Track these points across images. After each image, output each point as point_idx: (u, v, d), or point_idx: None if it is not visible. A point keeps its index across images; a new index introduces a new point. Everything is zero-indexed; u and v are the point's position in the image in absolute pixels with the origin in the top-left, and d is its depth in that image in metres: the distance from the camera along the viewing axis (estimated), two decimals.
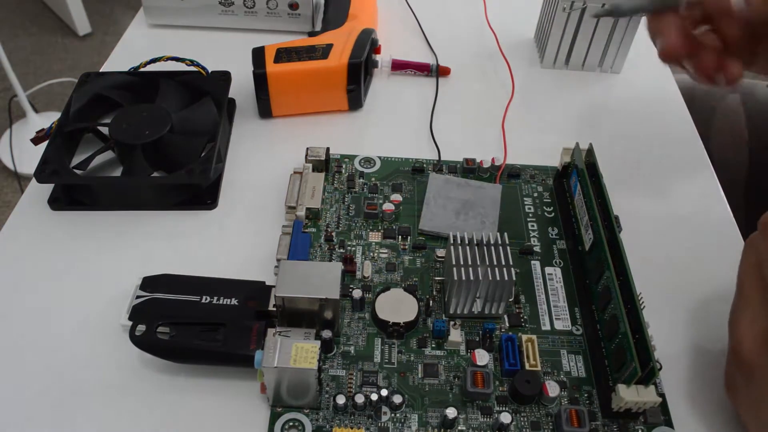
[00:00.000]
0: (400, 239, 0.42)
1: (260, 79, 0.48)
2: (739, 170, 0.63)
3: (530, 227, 0.43)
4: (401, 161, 0.47)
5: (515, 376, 0.34)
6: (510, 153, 0.48)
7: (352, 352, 0.36)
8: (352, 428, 0.33)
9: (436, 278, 0.40)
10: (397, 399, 0.33)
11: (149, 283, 0.37)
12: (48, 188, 0.44)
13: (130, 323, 0.34)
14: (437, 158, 0.47)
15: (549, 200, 0.45)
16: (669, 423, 0.34)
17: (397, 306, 0.37)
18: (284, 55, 0.48)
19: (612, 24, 0.53)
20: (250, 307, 0.36)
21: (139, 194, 0.44)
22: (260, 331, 0.34)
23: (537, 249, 0.42)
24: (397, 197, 0.44)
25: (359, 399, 0.33)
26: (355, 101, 0.51)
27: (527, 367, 0.35)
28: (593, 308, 0.38)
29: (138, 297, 0.36)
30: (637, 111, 0.54)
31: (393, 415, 0.34)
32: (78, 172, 0.43)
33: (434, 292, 0.39)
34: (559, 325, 0.38)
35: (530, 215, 0.44)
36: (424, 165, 0.46)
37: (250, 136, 0.50)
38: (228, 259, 0.41)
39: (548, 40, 0.55)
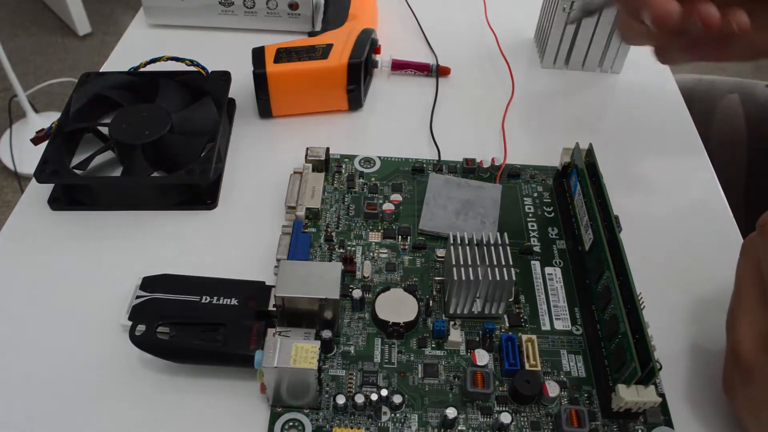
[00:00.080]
0: (400, 239, 0.42)
1: (260, 79, 0.48)
2: (739, 170, 0.63)
3: (530, 227, 0.43)
4: (401, 161, 0.47)
5: (515, 376, 0.34)
6: (510, 153, 0.48)
7: (352, 352, 0.36)
8: (352, 428, 0.33)
9: (436, 278, 0.40)
10: (397, 399, 0.33)
11: (149, 283, 0.37)
12: (48, 188, 0.44)
13: (130, 323, 0.34)
14: (437, 158, 0.47)
15: (549, 200, 0.45)
16: (669, 423, 0.34)
17: (397, 306, 0.37)
18: (284, 55, 0.48)
19: (612, 24, 0.53)
20: (250, 307, 0.36)
21: (139, 194, 0.44)
22: (260, 331, 0.34)
23: (537, 249, 0.42)
24: (397, 197, 0.44)
25: (359, 399, 0.33)
26: (355, 101, 0.51)
27: (527, 367, 0.35)
28: (593, 308, 0.38)
29: (138, 297, 0.36)
30: (637, 111, 0.54)
31: (393, 415, 0.34)
32: (78, 172, 0.43)
33: (434, 292, 0.39)
34: (559, 325, 0.38)
35: (530, 215, 0.44)
36: (424, 165, 0.46)
37: (250, 136, 0.50)
38: (228, 259, 0.41)
39: (548, 40, 0.55)
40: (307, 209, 0.42)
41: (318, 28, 0.57)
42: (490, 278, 0.36)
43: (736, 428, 0.34)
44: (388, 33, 0.59)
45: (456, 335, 0.36)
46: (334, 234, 0.42)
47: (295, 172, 0.44)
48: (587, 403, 0.35)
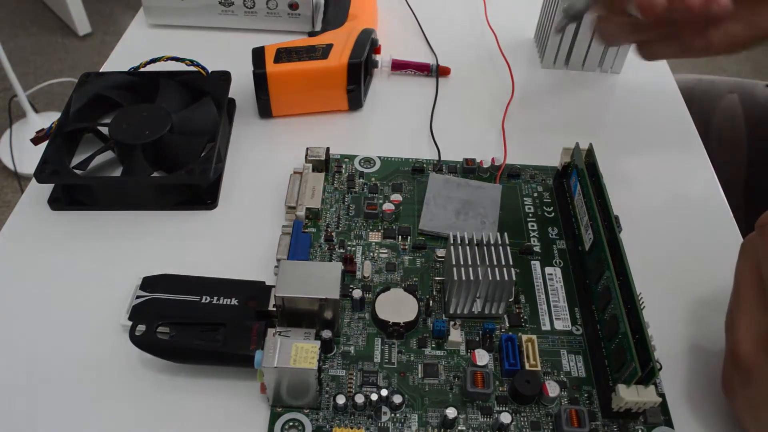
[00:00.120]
0: (400, 239, 0.42)
1: (260, 79, 0.48)
2: (738, 170, 0.64)
3: (530, 227, 0.43)
4: (401, 161, 0.47)
5: (515, 376, 0.34)
6: (510, 153, 0.48)
7: (352, 352, 0.36)
8: (352, 428, 0.33)
9: (436, 278, 0.40)
10: (397, 399, 0.33)
11: (149, 283, 0.37)
12: (48, 188, 0.44)
13: (130, 323, 0.34)
14: (437, 158, 0.47)
15: (549, 200, 0.45)
16: (669, 423, 0.34)
17: (397, 306, 0.37)
18: (284, 55, 0.48)
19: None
20: (250, 307, 0.36)
21: (139, 194, 0.44)
22: (260, 331, 0.34)
23: (537, 249, 0.42)
24: (397, 197, 0.44)
25: (359, 399, 0.33)
26: (355, 101, 0.51)
27: (527, 367, 0.35)
28: (593, 308, 0.38)
29: (138, 297, 0.36)
30: (637, 111, 0.54)
31: (393, 415, 0.34)
32: (78, 172, 0.43)
33: (434, 292, 0.39)
34: (559, 325, 0.38)
35: (530, 215, 0.44)
36: (424, 165, 0.46)
37: (250, 136, 0.50)
38: (228, 259, 0.41)
39: (548, 40, 0.55)
40: (307, 209, 0.42)
41: (318, 28, 0.57)
42: (490, 278, 0.36)
43: (736, 428, 0.34)
44: (388, 33, 0.59)
45: (456, 335, 0.36)
46: (334, 234, 0.42)
47: (295, 172, 0.44)
48: (587, 403, 0.35)
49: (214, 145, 0.44)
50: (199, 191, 0.44)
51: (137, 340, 0.33)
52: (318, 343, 0.32)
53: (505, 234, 0.38)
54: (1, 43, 1.33)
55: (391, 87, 0.55)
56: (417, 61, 0.56)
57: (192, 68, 0.49)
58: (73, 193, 0.44)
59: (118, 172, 0.45)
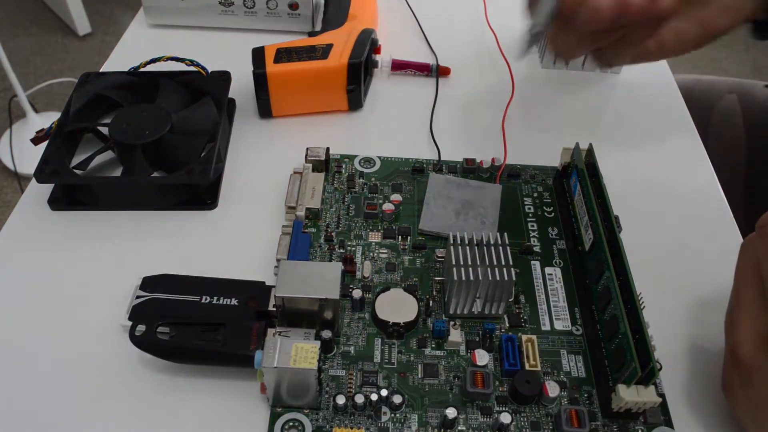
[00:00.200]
0: (400, 239, 0.42)
1: (260, 79, 0.48)
2: (737, 170, 0.64)
3: (530, 227, 0.43)
4: (401, 161, 0.47)
5: (515, 376, 0.34)
6: (510, 153, 0.48)
7: (352, 352, 0.36)
8: (352, 428, 0.33)
9: (436, 278, 0.40)
10: (397, 399, 0.33)
11: (149, 283, 0.37)
12: (48, 188, 0.44)
13: (130, 323, 0.34)
14: (437, 158, 0.47)
15: (549, 200, 0.45)
16: (669, 423, 0.34)
17: (397, 306, 0.37)
18: (284, 55, 0.48)
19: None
20: (250, 307, 0.36)
21: (139, 194, 0.44)
22: (260, 331, 0.34)
23: (537, 249, 0.42)
24: (397, 197, 0.44)
25: (359, 399, 0.33)
26: (355, 101, 0.51)
27: (527, 367, 0.35)
28: (593, 308, 0.38)
29: (138, 297, 0.36)
30: (637, 111, 0.54)
31: (393, 415, 0.34)
32: (78, 172, 0.43)
33: (434, 292, 0.39)
34: (559, 325, 0.38)
35: (530, 215, 0.44)
36: (424, 165, 0.46)
37: (250, 136, 0.50)
38: (228, 259, 0.41)
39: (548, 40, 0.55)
40: (307, 209, 0.42)
41: (318, 28, 0.57)
42: (490, 278, 0.36)
43: (736, 429, 0.34)
44: (388, 33, 0.59)
45: (456, 335, 0.36)
46: (334, 234, 0.42)
47: (295, 172, 0.44)
48: (587, 403, 0.35)
49: (214, 145, 0.44)
50: (199, 191, 0.44)
51: (137, 340, 0.33)
52: (318, 343, 0.32)
53: (505, 234, 0.38)
54: (1, 43, 1.33)
55: (391, 87, 0.55)
56: (417, 61, 0.56)
57: (192, 68, 0.49)
58: (73, 193, 0.44)
59: (118, 172, 0.45)
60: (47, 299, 0.38)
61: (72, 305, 0.38)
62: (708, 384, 0.36)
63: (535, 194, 0.45)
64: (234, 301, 0.36)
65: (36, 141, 0.45)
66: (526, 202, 0.45)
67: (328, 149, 0.45)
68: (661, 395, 0.34)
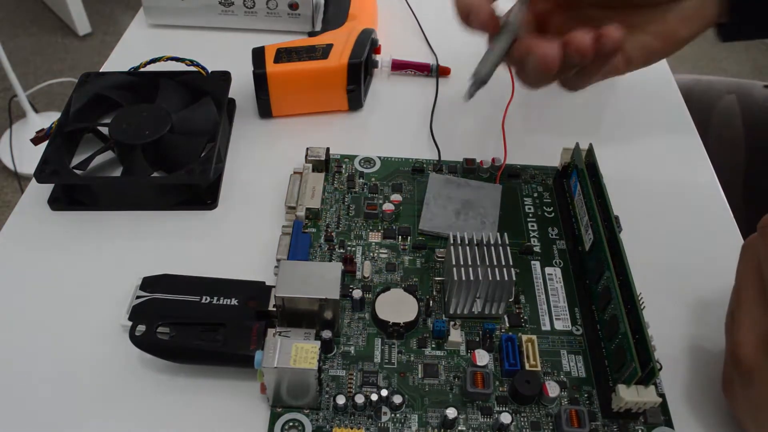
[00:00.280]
0: (400, 239, 0.42)
1: (260, 79, 0.48)
2: (737, 171, 0.64)
3: (530, 227, 0.43)
4: (401, 161, 0.47)
5: (515, 376, 0.34)
6: (510, 153, 0.48)
7: (352, 352, 0.36)
8: (352, 428, 0.33)
9: (436, 278, 0.40)
10: (397, 399, 0.33)
11: (149, 283, 0.37)
12: (48, 188, 0.44)
13: (130, 323, 0.34)
14: (437, 158, 0.47)
15: (549, 200, 0.45)
16: (669, 423, 0.34)
17: (397, 306, 0.37)
18: (284, 55, 0.48)
19: None
20: (250, 307, 0.36)
21: (139, 194, 0.44)
22: (260, 331, 0.34)
23: (537, 249, 0.42)
24: (397, 197, 0.44)
25: (359, 399, 0.33)
26: (355, 101, 0.51)
27: (527, 367, 0.35)
28: (593, 308, 0.38)
29: (138, 297, 0.36)
30: (637, 111, 0.54)
31: (393, 415, 0.34)
32: (78, 172, 0.43)
33: (434, 292, 0.39)
34: (559, 325, 0.38)
35: (530, 215, 0.44)
36: (424, 165, 0.46)
37: (250, 136, 0.50)
38: (228, 259, 0.41)
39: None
40: (307, 209, 0.42)
41: (318, 28, 0.57)
42: (490, 278, 0.36)
43: (736, 429, 0.34)
44: (388, 33, 0.59)
45: (456, 335, 0.36)
46: (334, 234, 0.42)
47: (295, 172, 0.44)
48: (587, 404, 0.35)
49: (214, 145, 0.44)
50: (199, 191, 0.44)
51: (137, 340, 0.33)
52: (318, 344, 0.32)
53: (505, 234, 0.38)
54: (1, 43, 1.33)
55: (391, 87, 0.55)
56: (417, 61, 0.56)
57: (192, 68, 0.49)
58: (73, 193, 0.44)
59: (118, 172, 0.45)
60: (47, 299, 0.38)
61: (72, 305, 0.38)
62: (708, 384, 0.36)
63: (535, 194, 0.45)
64: (234, 301, 0.36)
65: (36, 141, 0.45)
66: (526, 202, 0.45)
67: (328, 149, 0.45)
68: (661, 395, 0.34)
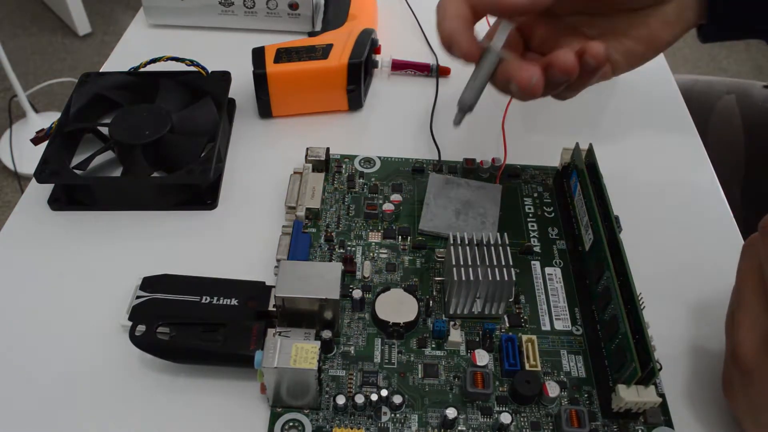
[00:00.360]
0: (400, 239, 0.42)
1: (260, 79, 0.48)
2: (736, 171, 0.64)
3: (530, 227, 0.43)
4: (401, 161, 0.47)
5: (515, 376, 0.34)
6: (510, 153, 0.48)
7: (352, 352, 0.36)
8: (352, 428, 0.33)
9: (436, 278, 0.40)
10: (397, 399, 0.33)
11: (149, 283, 0.37)
12: (48, 188, 0.44)
13: (130, 323, 0.34)
14: (437, 158, 0.47)
15: (549, 200, 0.45)
16: (669, 423, 0.34)
17: (397, 306, 0.37)
18: (284, 55, 0.48)
19: None
20: (250, 307, 0.36)
21: (139, 194, 0.44)
22: (260, 331, 0.34)
23: (537, 249, 0.42)
24: (397, 197, 0.44)
25: (359, 399, 0.33)
26: (355, 101, 0.51)
27: (527, 367, 0.35)
28: (593, 308, 0.38)
29: (138, 297, 0.36)
30: (637, 111, 0.54)
31: (393, 415, 0.34)
32: (78, 172, 0.43)
33: (434, 293, 0.39)
34: (559, 326, 0.38)
35: (530, 215, 0.44)
36: (424, 165, 0.46)
37: (250, 136, 0.50)
38: (228, 259, 0.41)
39: None
40: (307, 209, 0.42)
41: (318, 28, 0.57)
42: (490, 278, 0.36)
43: (736, 428, 0.34)
44: (388, 33, 0.59)
45: (456, 335, 0.36)
46: (334, 234, 0.42)
47: (295, 172, 0.44)
48: (587, 404, 0.35)
49: (214, 145, 0.44)
50: (199, 191, 0.44)
51: (137, 340, 0.33)
52: (318, 344, 0.32)
53: (505, 234, 0.38)
54: (1, 43, 1.33)
55: (391, 87, 0.55)
56: (417, 61, 0.56)
57: (192, 68, 0.49)
58: (73, 193, 0.44)
59: (118, 172, 0.45)
60: (47, 299, 0.38)
61: (72, 305, 0.38)
62: (708, 384, 0.36)
63: (535, 194, 0.45)
64: (234, 301, 0.36)
65: (36, 141, 0.45)
66: (526, 202, 0.45)
67: (328, 149, 0.45)
68: (661, 395, 0.34)
